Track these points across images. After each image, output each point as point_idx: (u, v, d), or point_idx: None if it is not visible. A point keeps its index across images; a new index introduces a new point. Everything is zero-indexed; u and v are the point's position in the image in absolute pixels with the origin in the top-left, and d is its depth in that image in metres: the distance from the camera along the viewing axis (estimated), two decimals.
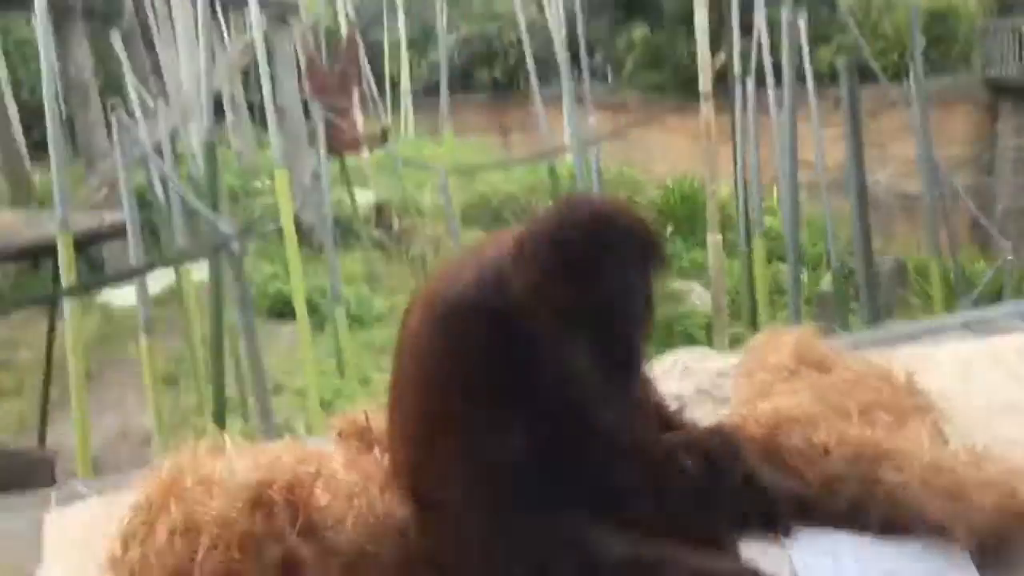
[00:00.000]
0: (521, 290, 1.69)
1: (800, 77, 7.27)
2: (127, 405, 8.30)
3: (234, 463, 1.88)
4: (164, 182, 7.15)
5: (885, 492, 1.90)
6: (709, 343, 7.42)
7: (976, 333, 3.06)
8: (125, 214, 5.72)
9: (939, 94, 12.00)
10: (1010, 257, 6.15)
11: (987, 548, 1.85)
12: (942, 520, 1.85)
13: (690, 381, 2.82)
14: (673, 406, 2.63)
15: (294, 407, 7.83)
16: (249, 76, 13.95)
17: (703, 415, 2.54)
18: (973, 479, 1.90)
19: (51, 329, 6.90)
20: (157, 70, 9.91)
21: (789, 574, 1.74)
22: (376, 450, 2.13)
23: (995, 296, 6.43)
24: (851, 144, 5.71)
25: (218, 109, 13.30)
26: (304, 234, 11.09)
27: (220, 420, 5.41)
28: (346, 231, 11.68)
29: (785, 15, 6.60)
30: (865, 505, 1.92)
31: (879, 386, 2.33)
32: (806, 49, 7.88)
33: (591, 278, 1.68)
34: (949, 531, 1.86)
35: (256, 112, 13.70)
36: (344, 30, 11.73)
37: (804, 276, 9.83)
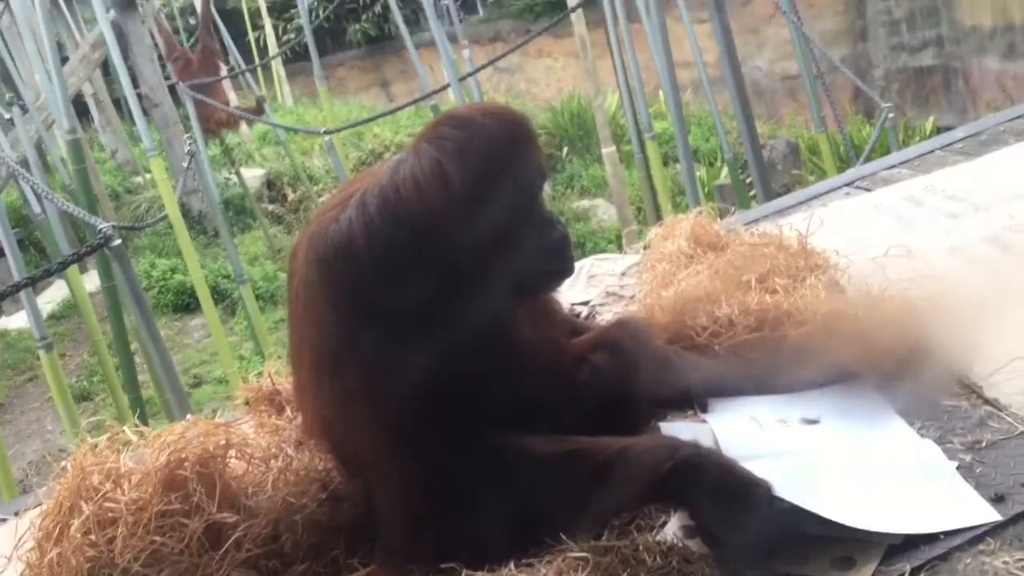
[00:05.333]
0: (418, 208, 1.64)
1: None
2: (47, 428, 8.05)
3: (139, 452, 1.82)
4: (37, 194, 6.84)
5: (791, 348, 1.94)
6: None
7: (862, 188, 3.12)
8: None
9: None
10: (891, 115, 6.28)
11: (891, 382, 1.91)
12: (848, 363, 1.90)
13: (596, 287, 2.83)
14: (582, 313, 2.66)
15: (219, 397, 7.68)
16: (110, 70, 13.40)
17: (613, 316, 2.55)
18: (872, 321, 1.95)
19: None
20: (8, 81, 9.43)
21: (712, 444, 1.76)
22: (288, 410, 2.09)
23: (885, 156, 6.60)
24: (720, 35, 5.73)
25: (84, 110, 12.79)
26: (195, 221, 10.81)
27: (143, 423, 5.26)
28: (240, 211, 11.40)
29: None
30: (775, 365, 1.95)
31: (774, 254, 2.37)
32: None
33: (493, 179, 1.64)
34: (856, 373, 1.91)
35: (124, 106, 13.17)
36: (199, 5, 11.26)
37: (703, 173, 9.95)
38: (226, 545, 1.67)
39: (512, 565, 1.53)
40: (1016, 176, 2.82)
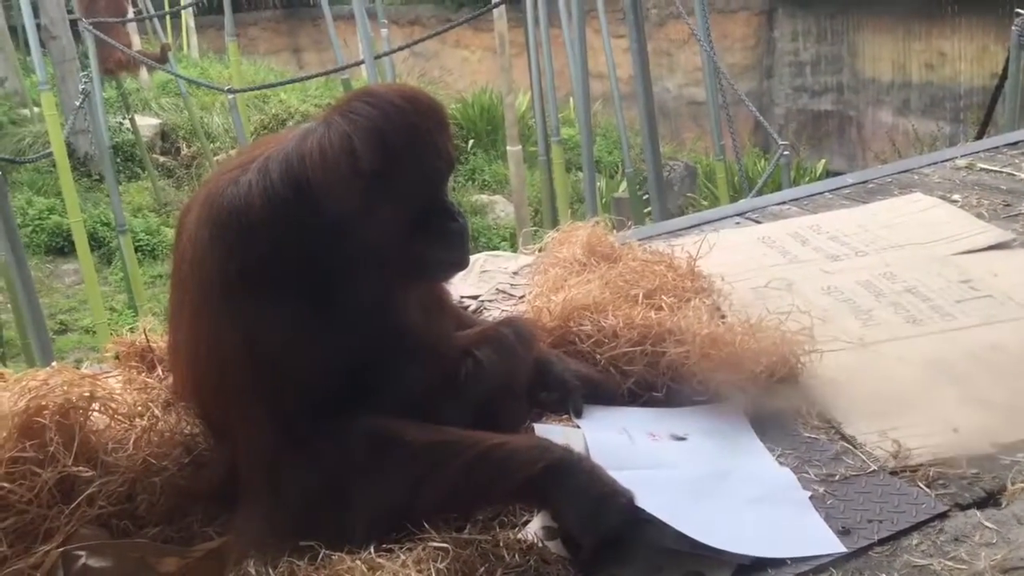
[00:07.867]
0: (322, 180, 1.61)
1: None
2: None
3: None
4: None
5: (669, 366, 1.99)
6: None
7: (752, 220, 3.22)
8: None
9: (720, 3, 12.46)
10: (786, 152, 6.50)
11: (759, 407, 1.98)
12: (720, 386, 1.96)
13: (488, 282, 2.84)
14: (471, 307, 2.67)
15: (84, 347, 7.39)
16: None
17: (501, 313, 2.57)
18: (747, 349, 2.02)
19: None
20: None
21: (582, 450, 1.79)
22: (159, 369, 2.04)
23: (776, 191, 6.82)
24: (636, 54, 5.82)
25: None
26: (80, 163, 10.37)
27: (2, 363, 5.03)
28: (129, 158, 10.98)
29: None
30: (651, 381, 2.00)
31: (663, 272, 2.43)
32: None
33: (401, 162, 1.63)
34: (727, 396, 1.97)
35: (20, 35, 12.51)
36: None
37: (603, 184, 10.09)
38: (78, 500, 1.62)
39: (372, 549, 1.53)
40: (896, 227, 2.96)
